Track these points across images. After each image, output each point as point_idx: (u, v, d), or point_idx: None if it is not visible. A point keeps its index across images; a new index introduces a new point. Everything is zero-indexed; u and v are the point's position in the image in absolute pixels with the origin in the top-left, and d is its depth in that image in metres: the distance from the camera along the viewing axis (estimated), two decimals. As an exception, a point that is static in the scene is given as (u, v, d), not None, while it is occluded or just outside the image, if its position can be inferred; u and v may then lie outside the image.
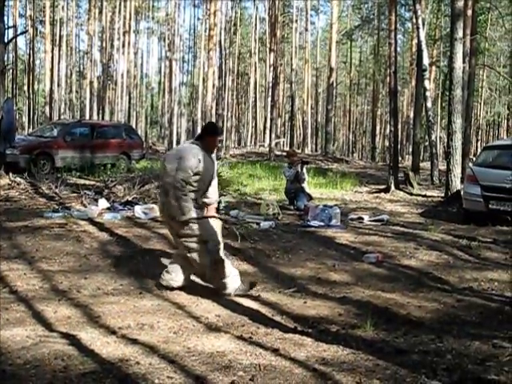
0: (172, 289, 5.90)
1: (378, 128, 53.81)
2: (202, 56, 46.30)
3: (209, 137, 5.83)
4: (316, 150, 47.08)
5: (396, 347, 4.38)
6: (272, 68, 36.38)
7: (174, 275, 5.94)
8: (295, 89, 43.04)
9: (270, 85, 36.42)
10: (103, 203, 10.52)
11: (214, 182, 6.08)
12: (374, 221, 10.70)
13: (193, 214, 5.58)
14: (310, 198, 12.31)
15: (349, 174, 21.54)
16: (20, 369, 3.73)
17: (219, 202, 10.71)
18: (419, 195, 15.58)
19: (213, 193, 6.10)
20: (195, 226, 5.63)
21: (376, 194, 15.67)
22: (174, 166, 5.58)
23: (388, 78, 20.22)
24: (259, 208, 11.13)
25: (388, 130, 22.13)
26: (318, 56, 54.61)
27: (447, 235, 9.37)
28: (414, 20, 22.82)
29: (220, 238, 5.90)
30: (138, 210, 9.72)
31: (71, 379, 3.59)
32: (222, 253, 5.81)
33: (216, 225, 6.00)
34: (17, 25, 41.64)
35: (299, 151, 35.63)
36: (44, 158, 17.18)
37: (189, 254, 5.77)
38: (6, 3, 15.91)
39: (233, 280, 5.86)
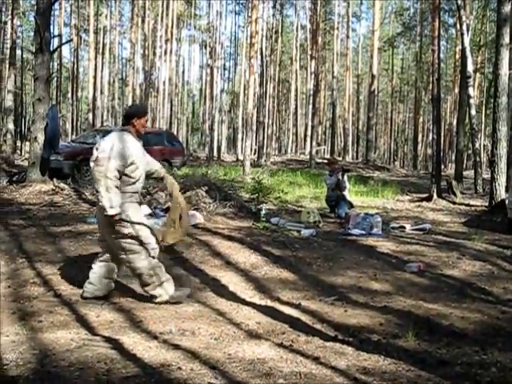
0: (98, 298, 5.66)
1: (420, 136, 53.25)
2: (243, 63, 46.53)
3: (137, 120, 5.52)
4: (357, 158, 46.82)
5: (439, 358, 4.32)
6: (313, 75, 36.30)
7: (98, 284, 5.68)
8: (336, 96, 42.87)
9: (311, 92, 36.34)
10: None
11: (153, 164, 5.87)
12: (415, 230, 10.58)
13: (121, 209, 5.30)
14: (351, 206, 12.26)
15: (390, 182, 21.36)
16: (64, 371, 3.79)
17: (260, 210, 10.76)
18: (462, 204, 15.34)
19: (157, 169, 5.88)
20: (131, 225, 5.39)
21: (418, 203, 15.49)
22: (107, 155, 5.24)
23: (431, 85, 19.97)
24: (300, 216, 11.11)
25: (430, 138, 21.86)
26: (360, 63, 54.36)
27: (491, 245, 9.21)
28: (458, 26, 22.61)
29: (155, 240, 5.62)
30: (180, 217, 9.78)
31: (114, 382, 3.63)
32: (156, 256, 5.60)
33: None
34: (62, 34, 42.56)
35: (340, 159, 35.50)
36: (87, 164, 17.21)
37: (124, 256, 5.52)
38: (51, 13, 16.23)
39: (168, 286, 5.65)
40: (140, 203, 5.68)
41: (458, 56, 36.70)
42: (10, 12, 28.94)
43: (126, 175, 5.35)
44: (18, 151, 36.41)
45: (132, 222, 5.41)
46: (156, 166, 5.92)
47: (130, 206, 5.44)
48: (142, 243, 5.46)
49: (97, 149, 5.42)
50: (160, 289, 5.61)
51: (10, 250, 7.43)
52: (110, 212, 5.24)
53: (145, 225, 5.56)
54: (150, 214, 10.41)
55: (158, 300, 5.62)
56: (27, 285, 6.10)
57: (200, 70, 62.74)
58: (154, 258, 5.57)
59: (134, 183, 5.44)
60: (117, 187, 5.27)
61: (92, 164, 5.39)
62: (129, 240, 5.44)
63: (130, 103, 43.19)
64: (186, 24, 56.64)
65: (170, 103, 45.29)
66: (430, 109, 32.97)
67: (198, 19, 57.36)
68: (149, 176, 5.92)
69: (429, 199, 15.68)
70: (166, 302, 5.61)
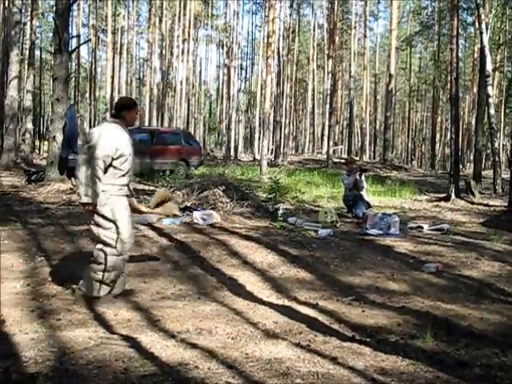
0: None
1: (437, 135, 52.93)
2: (259, 63, 46.59)
3: (127, 112, 5.47)
4: (374, 158, 46.67)
5: (457, 359, 4.28)
6: (330, 75, 36.25)
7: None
8: (353, 95, 42.73)
9: (328, 91, 36.29)
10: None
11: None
12: (433, 230, 10.51)
13: (105, 202, 5.30)
14: (369, 205, 12.21)
15: (408, 181, 21.25)
16: (82, 369, 3.81)
17: (277, 209, 10.76)
18: (481, 204, 15.22)
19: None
20: (114, 220, 5.37)
21: (436, 203, 15.40)
22: (93, 144, 5.26)
23: (449, 84, 19.82)
24: (317, 215, 11.09)
25: (448, 138, 21.71)
26: (377, 62, 54.14)
27: (510, 246, 9.12)
28: (477, 24, 22.41)
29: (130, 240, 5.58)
30: (197, 216, 9.83)
31: (132, 381, 3.64)
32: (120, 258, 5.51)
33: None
34: (80, 34, 42.81)
35: (357, 158, 35.36)
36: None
37: (96, 245, 5.53)
38: (70, 13, 16.32)
39: (105, 289, 5.56)
40: (128, 196, 5.63)
41: (476, 55, 36.44)
42: (29, 13, 29.20)
43: (114, 167, 5.34)
44: (37, 150, 36.75)
45: (109, 220, 5.37)
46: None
47: (117, 201, 5.42)
48: (116, 240, 5.42)
49: (86, 138, 5.48)
50: (100, 286, 5.53)
51: (29, 248, 7.50)
52: (83, 200, 5.29)
53: (126, 222, 5.49)
54: (167, 214, 10.44)
55: (92, 294, 5.54)
56: (46, 283, 6.15)
57: (217, 69, 63.20)
58: (123, 259, 5.55)
59: (122, 176, 5.43)
60: (98, 178, 5.23)
61: (79, 152, 5.48)
62: (105, 232, 5.42)
63: (147, 103, 43.46)
64: (203, 24, 56.80)
65: (187, 103, 45.47)
66: (448, 108, 32.79)
67: (215, 19, 57.53)
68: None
69: (447, 199, 15.58)
70: (87, 296, 5.53)
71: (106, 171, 5.31)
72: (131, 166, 5.54)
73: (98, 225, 5.43)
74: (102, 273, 5.47)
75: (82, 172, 5.24)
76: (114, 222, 5.38)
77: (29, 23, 29.42)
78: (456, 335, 4.93)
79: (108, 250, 5.44)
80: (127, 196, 5.63)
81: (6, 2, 29.06)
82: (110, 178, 5.33)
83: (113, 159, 5.29)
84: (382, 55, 56.38)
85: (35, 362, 3.87)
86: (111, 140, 5.28)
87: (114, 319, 5.06)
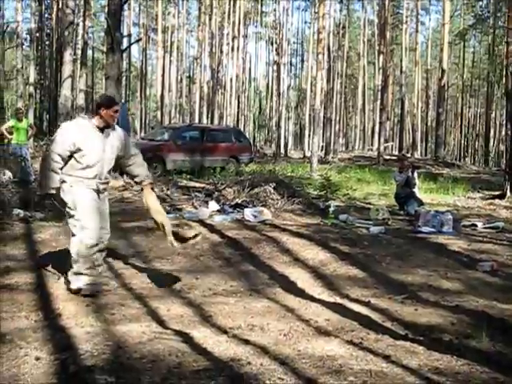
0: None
1: (491, 131, 51.78)
2: (309, 59, 46.38)
3: (104, 110, 5.50)
4: (426, 155, 46.04)
5: (515, 361, 4.20)
6: (381, 70, 35.87)
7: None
8: (405, 91, 42.18)
9: (379, 88, 35.92)
10: (213, 205, 10.75)
11: (135, 160, 5.87)
12: (488, 228, 10.30)
13: (52, 190, 5.46)
14: (421, 203, 12.04)
15: (461, 179, 20.85)
16: (137, 362, 3.88)
17: (328, 207, 10.71)
18: (537, 201, 14.84)
19: (139, 170, 5.87)
20: (75, 209, 5.47)
21: (490, 201, 15.07)
22: (54, 137, 5.54)
23: (504, 79, 19.39)
24: (368, 213, 11.00)
25: (503, 134, 21.23)
26: (429, 57, 53.32)
27: None
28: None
29: (99, 233, 5.59)
30: (248, 213, 9.86)
31: (185, 375, 3.69)
32: (93, 248, 5.56)
33: (103, 213, 5.71)
34: (131, 33, 43.43)
35: (409, 155, 34.88)
36: (156, 160, 17.47)
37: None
38: (122, 13, 16.57)
39: (84, 279, 5.58)
40: (98, 191, 5.63)
41: (532, 48, 35.47)
42: (81, 13, 29.77)
43: (75, 160, 5.46)
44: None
45: (68, 207, 5.52)
46: (141, 171, 5.92)
47: (78, 192, 5.49)
48: (80, 227, 5.51)
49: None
50: (75, 277, 5.60)
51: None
52: (39, 191, 5.56)
53: (90, 212, 5.55)
54: (219, 210, 10.53)
55: (70, 287, 5.62)
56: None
57: (266, 66, 62.99)
58: (99, 250, 5.62)
59: (83, 169, 5.48)
60: (53, 170, 5.40)
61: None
62: (70, 220, 5.58)
63: (197, 101, 43.83)
64: (252, 21, 56.89)
65: (237, 100, 45.63)
66: (503, 103, 32.09)
67: (265, 16, 57.52)
68: (127, 173, 6.13)
69: (502, 197, 15.24)
70: (77, 292, 5.56)
71: (66, 163, 5.48)
72: (96, 162, 5.54)
73: (67, 213, 5.63)
74: (72, 263, 5.63)
75: (40, 164, 5.64)
76: (74, 209, 5.51)
77: (81, 23, 29.99)
78: (513, 336, 4.83)
79: (72, 238, 5.60)
80: (98, 191, 5.66)
81: (60, 4, 29.72)
82: (69, 169, 5.48)
83: (70, 152, 5.43)
84: (433, 50, 55.45)
85: (91, 355, 3.96)
86: (68, 135, 5.45)
87: (167, 314, 5.12)
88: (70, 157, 5.45)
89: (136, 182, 6.04)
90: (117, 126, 5.82)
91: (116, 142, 5.67)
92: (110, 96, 6.45)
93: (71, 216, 5.55)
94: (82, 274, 5.57)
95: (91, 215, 5.54)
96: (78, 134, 5.44)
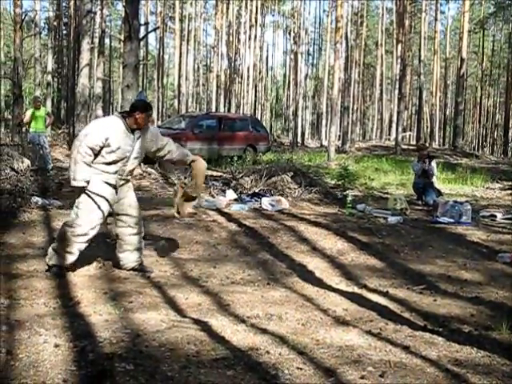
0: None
1: (511, 121, 51.20)
2: (327, 48, 46.16)
3: (139, 114, 5.67)
4: (444, 144, 45.64)
5: (536, 353, 4.15)
6: (399, 59, 35.54)
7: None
8: (423, 81, 41.79)
9: (397, 77, 35.64)
10: (231, 194, 10.75)
11: (170, 147, 5.99)
12: (507, 219, 10.20)
13: (85, 183, 5.58)
14: (440, 193, 11.95)
15: (479, 169, 20.64)
16: (156, 350, 3.89)
17: (346, 196, 10.67)
18: (558, 192, 14.68)
19: (178, 154, 6.05)
20: (81, 198, 5.68)
21: (510, 191, 14.91)
22: (85, 132, 5.65)
23: (524, 69, 19.16)
24: (386, 202, 10.93)
25: (523, 123, 21.00)
26: (448, 46, 52.78)
27: None
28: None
29: (92, 225, 5.73)
30: (265, 202, 9.85)
31: (204, 364, 3.70)
32: (77, 239, 5.70)
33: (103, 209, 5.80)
34: (148, 22, 43.34)
35: (427, 145, 34.61)
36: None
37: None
38: (139, 1, 16.55)
39: (62, 256, 5.76)
40: (115, 186, 5.78)
41: (553, 37, 35.01)
42: (99, 2, 29.76)
43: (100, 154, 5.60)
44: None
45: (89, 191, 5.65)
46: (180, 154, 6.09)
47: (92, 185, 5.64)
48: (75, 215, 5.73)
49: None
50: (52, 252, 5.83)
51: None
52: (72, 183, 5.63)
53: (91, 211, 5.70)
54: (236, 199, 10.53)
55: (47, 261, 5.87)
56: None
57: (284, 55, 62.71)
58: (74, 234, 5.70)
59: (106, 164, 5.64)
60: (86, 163, 5.54)
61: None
62: (75, 204, 5.78)
63: (214, 89, 43.78)
64: (270, 10, 56.55)
65: (254, 89, 45.50)
66: (522, 93, 31.66)
67: (282, 4, 57.16)
68: (170, 162, 6.37)
69: (521, 187, 15.10)
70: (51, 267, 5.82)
71: (95, 157, 5.63)
72: (121, 160, 5.71)
73: (76, 196, 5.82)
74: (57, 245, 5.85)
75: (72, 157, 5.65)
76: (82, 199, 5.73)
77: (99, 12, 29.97)
78: (534, 328, 4.77)
79: (67, 219, 5.94)
80: (115, 186, 5.81)
81: (78, -8, 29.70)
82: (93, 161, 5.62)
83: (101, 147, 5.58)
84: (452, 39, 54.93)
85: (110, 343, 3.98)
86: (102, 131, 5.58)
87: (185, 303, 5.13)
88: (98, 151, 5.61)
89: (184, 164, 6.29)
90: (149, 125, 6.00)
91: (146, 142, 5.85)
92: (146, 102, 6.66)
93: (76, 202, 5.77)
94: (57, 253, 5.79)
95: (91, 214, 5.72)
96: (111, 131, 5.59)
